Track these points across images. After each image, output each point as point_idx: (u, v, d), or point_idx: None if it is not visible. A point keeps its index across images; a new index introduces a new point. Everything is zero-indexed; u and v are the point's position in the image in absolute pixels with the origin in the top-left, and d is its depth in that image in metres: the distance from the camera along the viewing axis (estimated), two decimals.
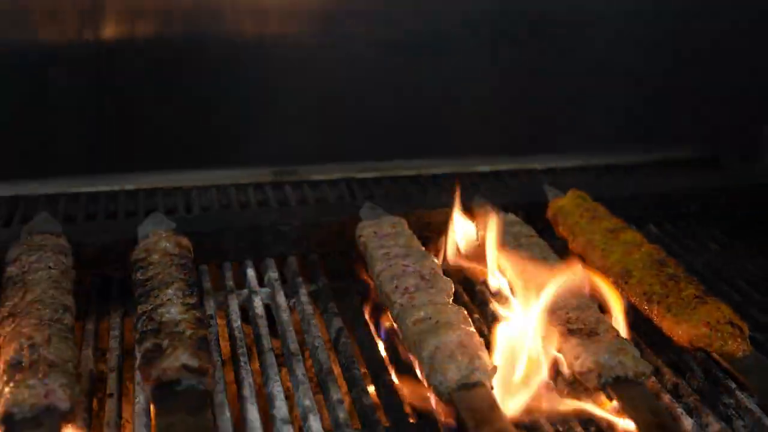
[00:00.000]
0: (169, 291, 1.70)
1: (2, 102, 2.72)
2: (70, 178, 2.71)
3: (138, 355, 1.55)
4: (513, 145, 2.98)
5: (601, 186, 2.48)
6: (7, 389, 1.41)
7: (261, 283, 2.07)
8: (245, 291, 2.02)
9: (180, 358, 1.47)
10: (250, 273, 2.08)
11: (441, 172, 2.79)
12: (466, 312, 1.68)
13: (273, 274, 2.08)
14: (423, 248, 1.95)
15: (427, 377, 1.52)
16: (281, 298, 1.98)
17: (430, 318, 1.64)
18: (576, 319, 1.65)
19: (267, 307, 1.97)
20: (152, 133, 2.83)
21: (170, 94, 2.81)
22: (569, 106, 3.00)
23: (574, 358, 1.56)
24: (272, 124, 2.84)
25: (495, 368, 1.52)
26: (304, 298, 1.98)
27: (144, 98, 2.83)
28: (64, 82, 2.78)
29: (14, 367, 1.48)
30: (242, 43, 2.82)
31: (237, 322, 1.88)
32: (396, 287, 1.77)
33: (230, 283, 2.05)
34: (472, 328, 1.62)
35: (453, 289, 1.78)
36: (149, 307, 1.65)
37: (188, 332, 1.56)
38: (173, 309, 1.63)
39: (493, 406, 1.44)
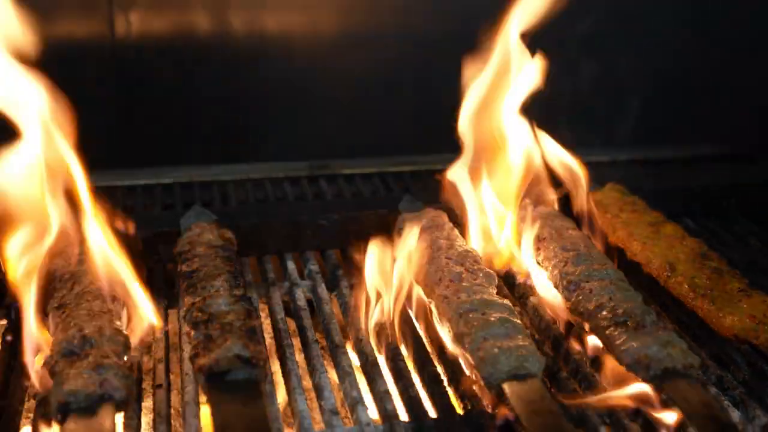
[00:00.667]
0: (216, 283, 1.71)
1: None
2: (105, 171, 2.72)
3: (188, 346, 1.56)
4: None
5: (636, 180, 2.46)
6: (61, 378, 1.43)
7: (301, 276, 2.09)
8: (286, 284, 2.03)
9: (232, 348, 1.48)
10: (291, 266, 2.10)
11: None
12: (511, 304, 1.69)
13: (314, 266, 2.09)
14: (464, 241, 1.96)
15: (477, 369, 1.53)
16: (323, 291, 1.99)
17: (476, 310, 1.65)
18: (622, 311, 1.65)
19: (308, 300, 1.99)
20: (185, 128, 2.84)
21: (201, 88, 2.82)
22: (598, 100, 3.00)
23: (621, 351, 1.56)
24: (305, 119, 2.85)
25: (545, 360, 1.53)
26: (346, 291, 1.99)
27: (176, 93, 2.84)
28: (96, 77, 2.79)
29: (67, 356, 1.50)
30: (273, 37, 2.83)
31: (281, 314, 1.89)
32: (440, 280, 1.78)
33: (272, 275, 2.06)
34: (519, 320, 1.62)
35: (497, 282, 1.79)
36: (197, 299, 1.67)
37: (238, 323, 1.57)
38: (221, 300, 1.65)
39: (544, 397, 1.45)
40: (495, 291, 1.75)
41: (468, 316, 1.63)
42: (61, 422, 1.38)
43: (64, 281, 1.75)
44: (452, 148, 2.85)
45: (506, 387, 1.47)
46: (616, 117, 2.95)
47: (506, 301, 1.69)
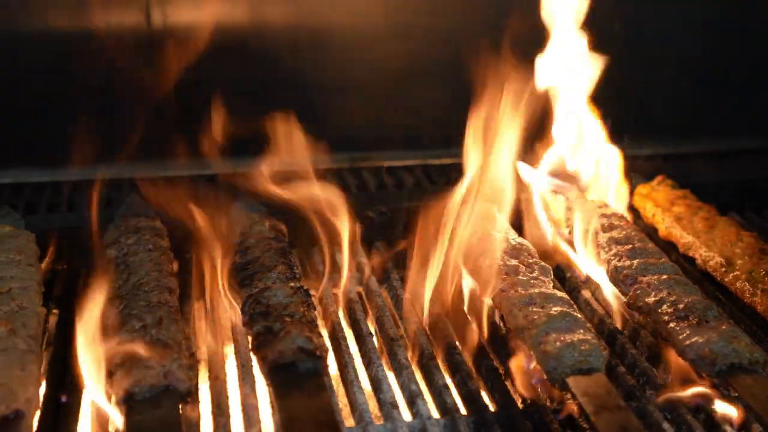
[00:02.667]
0: (272, 275, 1.70)
1: (72, 87, 2.73)
2: (146, 162, 2.71)
3: (249, 338, 1.56)
4: None
5: (681, 173, 2.43)
6: (125, 370, 1.43)
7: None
8: (336, 276, 2.01)
9: (296, 340, 1.47)
10: (340, 258, 2.08)
11: None
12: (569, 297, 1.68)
13: (363, 259, 2.08)
14: (516, 234, 1.94)
15: (539, 363, 1.52)
16: (373, 283, 1.98)
17: (535, 304, 1.64)
18: (683, 306, 1.63)
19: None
20: (221, 119, 2.82)
21: (240, 78, 2.81)
22: (637, 94, 2.98)
23: (685, 346, 1.55)
24: (344, 110, 2.83)
25: (608, 354, 1.52)
26: (396, 283, 1.98)
27: (212, 83, 2.82)
28: (133, 67, 2.78)
29: (129, 348, 1.49)
30: (310, 28, 2.81)
31: (333, 306, 1.88)
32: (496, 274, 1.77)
33: (321, 268, 2.05)
34: (579, 314, 1.61)
35: (552, 275, 1.78)
36: (255, 291, 1.66)
37: (297, 315, 1.56)
38: (279, 292, 1.64)
39: (610, 391, 1.44)
40: (552, 284, 1.74)
41: (528, 310, 1.62)
42: (126, 414, 1.38)
43: (119, 271, 1.75)
44: None
45: (571, 382, 1.46)
46: (659, 109, 2.93)
47: (565, 295, 1.67)
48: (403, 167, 2.71)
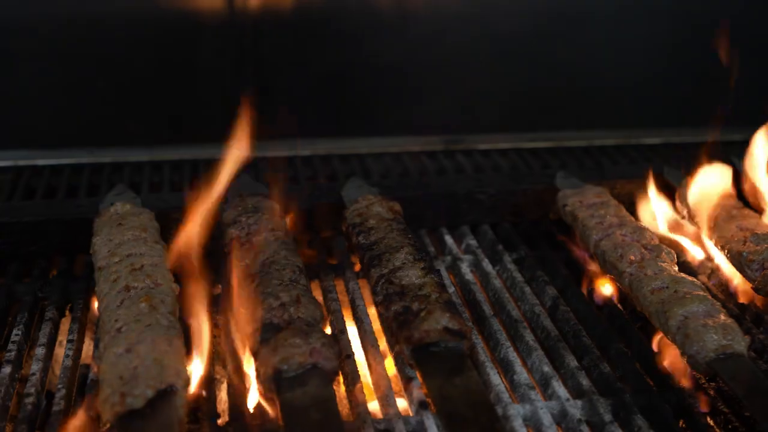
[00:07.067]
0: (400, 255, 1.70)
1: (152, 69, 2.74)
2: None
3: (387, 318, 1.56)
4: (675, 118, 2.94)
5: None
6: (270, 348, 1.43)
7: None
8: (448, 258, 2.02)
9: (440, 320, 1.47)
10: (449, 240, 2.09)
11: (610, 143, 2.75)
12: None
13: (472, 241, 2.08)
14: (634, 218, 1.93)
15: (680, 347, 1.51)
16: (487, 265, 1.98)
17: (667, 287, 1.63)
18: None
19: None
20: (308, 100, 2.83)
21: (326, 60, 2.81)
22: (719, 80, 2.95)
23: None
24: (433, 93, 2.83)
25: (750, 339, 1.51)
26: (510, 266, 1.98)
27: (298, 65, 2.83)
28: (215, 49, 2.79)
29: (269, 326, 1.49)
30: (388, 13, 2.81)
31: (451, 288, 1.88)
32: (621, 257, 1.76)
33: (432, 249, 2.05)
34: (713, 299, 1.60)
35: (677, 259, 1.76)
36: (385, 271, 1.66)
37: (434, 295, 1.56)
38: (411, 272, 1.64)
39: (758, 376, 1.43)
40: (677, 268, 1.73)
41: (661, 294, 1.61)
42: (277, 391, 1.39)
43: (244, 250, 1.75)
44: (583, 124, 2.84)
45: (717, 366, 1.45)
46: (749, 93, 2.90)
47: (695, 279, 1.66)
48: (497, 150, 2.70)
